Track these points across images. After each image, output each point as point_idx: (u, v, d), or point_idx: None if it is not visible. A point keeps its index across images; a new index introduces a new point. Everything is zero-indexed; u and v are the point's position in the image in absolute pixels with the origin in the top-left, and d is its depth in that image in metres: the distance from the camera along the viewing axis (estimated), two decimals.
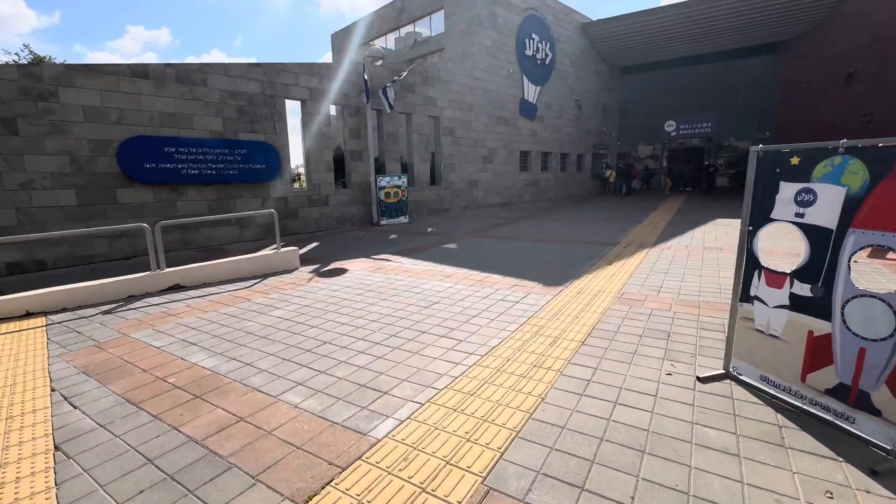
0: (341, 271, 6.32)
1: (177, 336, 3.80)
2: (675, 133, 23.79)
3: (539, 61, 18.22)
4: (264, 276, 6.09)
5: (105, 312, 4.58)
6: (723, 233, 8.83)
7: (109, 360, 3.34)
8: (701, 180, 23.45)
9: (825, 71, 17.66)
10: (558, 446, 2.12)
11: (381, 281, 5.64)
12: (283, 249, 6.54)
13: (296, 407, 2.55)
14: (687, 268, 5.86)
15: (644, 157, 26.32)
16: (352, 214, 12.02)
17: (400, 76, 11.69)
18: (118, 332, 3.94)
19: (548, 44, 18.59)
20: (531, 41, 17.59)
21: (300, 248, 8.52)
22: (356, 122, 11.81)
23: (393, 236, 9.96)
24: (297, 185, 20.79)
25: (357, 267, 6.58)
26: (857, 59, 15.71)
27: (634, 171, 22.15)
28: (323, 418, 2.42)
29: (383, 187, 12.00)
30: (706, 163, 22.20)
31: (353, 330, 3.83)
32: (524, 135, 18.18)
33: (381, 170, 13.02)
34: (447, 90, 14.32)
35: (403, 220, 12.37)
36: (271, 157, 10.03)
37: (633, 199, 19.53)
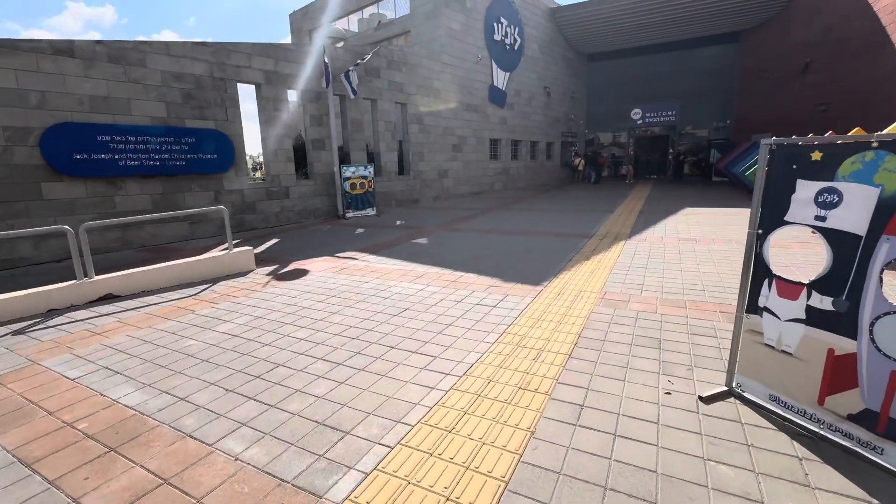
0: (302, 273, 5.78)
1: (99, 362, 3.21)
2: (641, 121, 24.04)
3: (508, 46, 17.79)
4: (214, 281, 5.47)
5: (16, 332, 3.90)
6: (694, 223, 8.80)
7: (6, 399, 2.74)
8: (667, 168, 23.88)
9: (783, 60, 18.12)
10: (556, 502, 1.77)
11: (346, 284, 5.16)
12: (235, 250, 5.92)
13: (236, 459, 2.09)
14: (666, 262, 5.68)
15: (607, 145, 26.52)
16: (315, 207, 11.34)
17: (363, 59, 11.00)
18: (26, 360, 3.31)
19: (516, 28, 18.17)
20: (500, 25, 17.12)
21: (258, 245, 7.87)
22: (318, 108, 11.06)
23: (359, 230, 9.41)
24: (257, 174, 19.68)
25: (319, 267, 6.05)
26: (813, 48, 16.15)
27: (601, 159, 22.23)
28: (269, 474, 1.98)
29: (348, 178, 11.37)
30: (675, 151, 22.50)
31: (312, 347, 3.36)
32: (494, 122, 17.80)
33: (345, 159, 12.34)
34: (414, 75, 13.70)
35: (371, 212, 11.80)
36: (224, 146, 9.22)
37: (602, 188, 19.61)
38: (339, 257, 6.69)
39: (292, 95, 11.16)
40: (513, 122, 19.04)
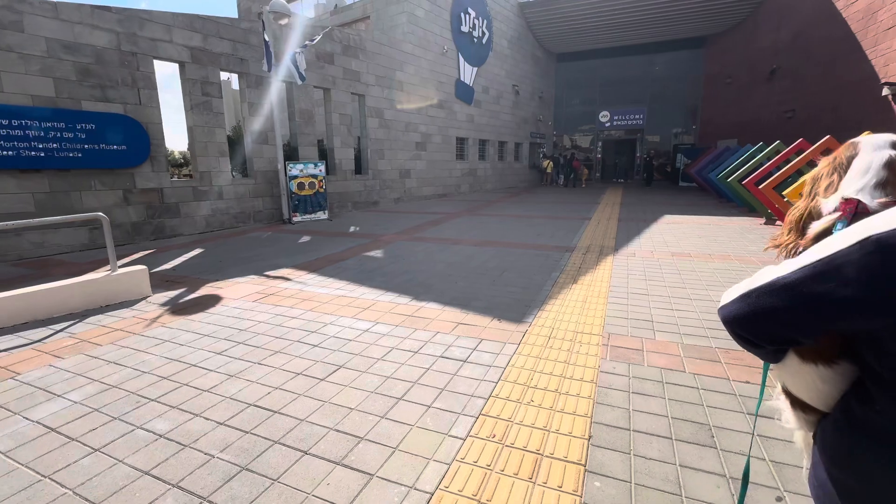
0: (212, 301, 4.40)
1: None
2: (609, 123, 23.72)
3: (476, 40, 16.76)
4: (84, 315, 4.01)
5: None
6: (681, 234, 8.01)
7: None
8: (634, 172, 23.67)
9: (749, 66, 18.10)
10: None
11: (267, 320, 3.84)
12: (121, 270, 4.45)
13: None
14: (668, 286, 4.72)
15: (569, 147, 26.06)
16: (256, 210, 9.81)
17: (313, 40, 9.57)
18: None
19: (485, 21, 17.18)
20: (467, 16, 16.06)
21: (173, 258, 6.34)
22: (259, 95, 9.54)
23: (305, 239, 8.02)
24: (184, 171, 17.54)
25: (239, 292, 4.68)
26: (779, 55, 16.10)
27: (575, 162, 21.66)
28: None
29: (295, 177, 9.91)
30: (647, 155, 22.18)
31: (178, 453, 2.07)
32: (461, 120, 16.72)
33: (292, 155, 10.86)
34: (373, 64, 12.37)
35: (322, 216, 10.39)
36: (135, 135, 7.59)
37: (572, 192, 18.97)
38: (269, 277, 5.33)
39: (231, 79, 9.58)
40: (480, 121, 18.04)
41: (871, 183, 0.82)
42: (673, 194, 16.48)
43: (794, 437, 0.97)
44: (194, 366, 3.00)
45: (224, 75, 9.15)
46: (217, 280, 5.20)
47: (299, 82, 9.65)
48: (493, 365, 2.94)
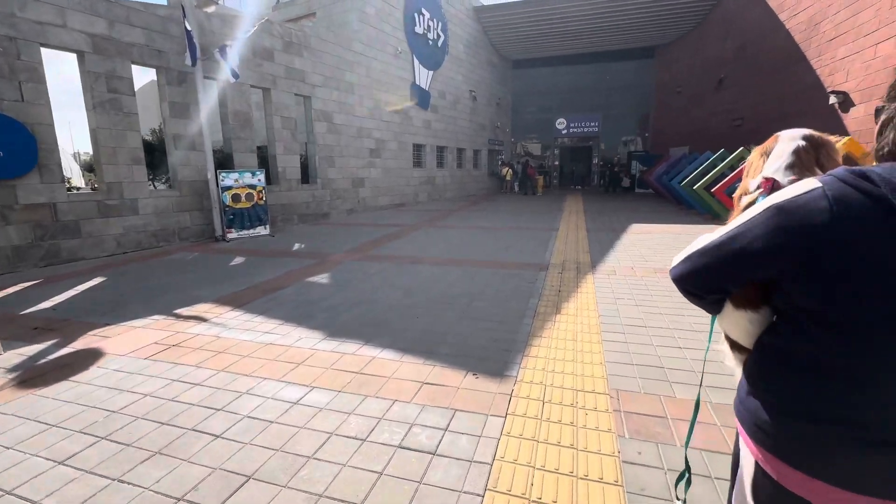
0: (87, 360, 3.25)
1: None
2: (565, 130, 23.77)
3: (431, 42, 16.05)
4: None
5: None
6: (655, 245, 7.55)
7: None
8: (591, 179, 23.80)
9: (697, 76, 18.56)
10: None
11: (157, 391, 2.78)
12: None
13: None
14: (663, 313, 4.06)
15: (523, 154, 25.91)
16: (182, 226, 8.45)
17: (247, 33, 8.42)
18: None
19: (440, 23, 16.52)
20: (421, 17, 15.32)
21: (61, 294, 5.00)
22: (183, 93, 8.24)
23: (237, 260, 6.84)
24: (85, 181, 15.32)
25: (129, 344, 3.54)
26: (726, 65, 16.54)
27: (530, 170, 21.42)
28: None
29: (229, 187, 8.66)
30: (610, 162, 22.17)
31: None
32: (417, 126, 15.90)
33: (227, 163, 9.58)
34: (320, 63, 11.30)
35: (262, 231, 9.17)
36: (17, 138, 6.15)
37: (533, 200, 18.62)
38: (179, 317, 4.19)
39: (142, 74, 8.22)
40: (438, 127, 17.31)
41: (784, 165, 1.06)
42: (632, 201, 16.45)
43: (734, 374, 1.09)
44: (27, 482, 1.91)
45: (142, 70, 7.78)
46: (107, 324, 4.01)
47: (232, 80, 8.45)
48: (475, 460, 2.07)
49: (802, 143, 1.07)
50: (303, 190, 11.13)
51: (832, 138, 1.09)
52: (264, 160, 10.73)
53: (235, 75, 8.38)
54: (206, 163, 8.40)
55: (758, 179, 1.08)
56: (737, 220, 0.85)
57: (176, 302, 4.66)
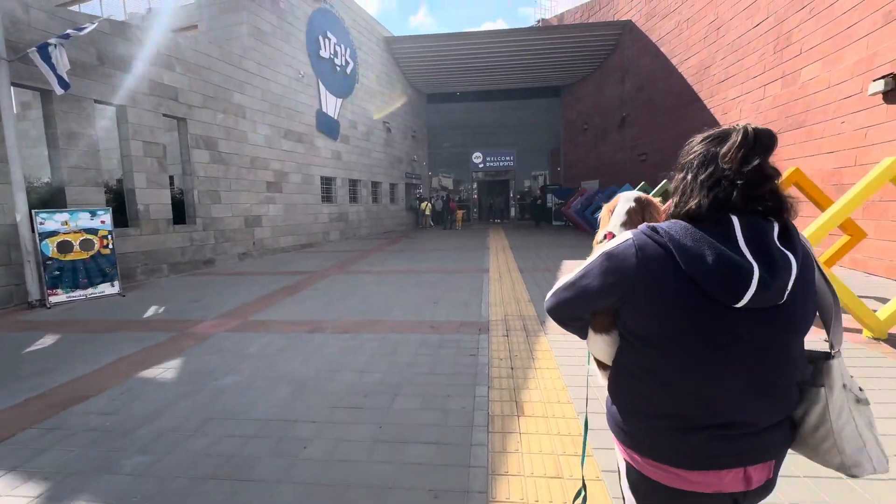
0: None
1: None
2: (482, 164, 23.72)
3: (339, 68, 14.80)
4: None
5: None
6: None
7: None
8: (509, 212, 23.80)
9: (602, 114, 19.56)
10: None
11: None
12: None
13: None
14: None
15: (438, 188, 25.39)
16: None
17: (81, 29, 6.37)
18: None
19: (348, 50, 15.40)
20: (327, 41, 14.07)
21: None
22: None
23: (45, 341, 4.64)
24: None
25: None
26: (627, 104, 17.54)
27: (452, 203, 20.75)
28: None
29: (54, 233, 6.32)
30: (533, 195, 21.99)
31: None
32: (325, 157, 14.31)
33: (55, 200, 7.15)
34: (200, 81, 9.39)
35: (109, 290, 6.85)
36: None
37: (452, 235, 17.74)
38: None
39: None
40: (349, 158, 15.87)
41: (619, 222, 1.35)
42: (553, 235, 16.27)
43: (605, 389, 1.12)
44: None
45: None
46: None
47: (59, 90, 6.28)
48: None
49: (633, 204, 1.36)
50: (175, 233, 8.87)
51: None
52: (120, 196, 8.37)
53: (64, 85, 6.24)
54: (14, 199, 6.02)
55: (603, 232, 1.38)
56: (586, 263, 1.04)
57: None
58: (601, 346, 1.11)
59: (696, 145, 0.99)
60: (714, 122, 12.34)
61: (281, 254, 11.88)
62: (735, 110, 11.38)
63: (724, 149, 0.91)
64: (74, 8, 11.99)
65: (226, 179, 10.12)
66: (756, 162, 0.87)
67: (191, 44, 9.28)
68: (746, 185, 0.88)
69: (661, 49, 15.06)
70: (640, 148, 16.77)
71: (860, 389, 0.97)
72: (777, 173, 0.91)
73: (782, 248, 0.87)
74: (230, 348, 4.29)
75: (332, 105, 14.50)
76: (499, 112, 24.21)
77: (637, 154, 16.86)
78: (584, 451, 1.49)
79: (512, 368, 3.58)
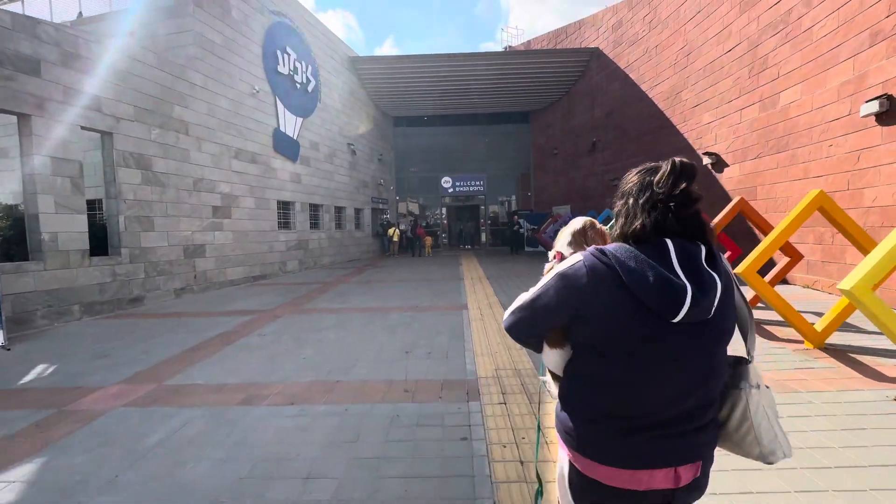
0: None
1: None
2: (451, 189, 23.08)
3: (299, 86, 13.81)
4: None
5: None
6: None
7: None
8: (480, 238, 23.12)
9: (571, 139, 19.44)
10: None
11: None
12: None
13: None
14: None
15: (405, 214, 24.42)
16: None
17: None
18: None
19: (309, 67, 14.47)
20: (287, 56, 13.10)
21: None
22: None
23: None
24: None
25: None
26: (597, 130, 17.44)
27: (419, 229, 19.83)
28: None
29: None
30: (512, 222, 20.88)
31: None
32: (283, 179, 13.10)
33: None
34: (130, 91, 8.14)
35: None
36: None
37: (422, 262, 16.73)
38: None
39: None
40: (311, 181, 14.71)
41: (567, 242, 1.50)
42: (529, 263, 15.56)
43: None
44: None
45: None
46: None
47: None
48: None
49: (579, 226, 1.54)
50: (92, 267, 7.39)
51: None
52: (20, 223, 6.88)
53: None
54: None
55: (553, 252, 1.53)
56: (541, 283, 1.13)
57: None
58: (555, 358, 1.21)
59: (632, 176, 1.12)
60: (688, 147, 12.16)
61: (229, 288, 10.45)
62: (710, 134, 11.21)
63: (657, 177, 1.04)
64: None
65: (161, 203, 8.75)
66: (683, 185, 1.02)
67: (118, 43, 8.05)
68: (678, 206, 1.02)
69: (630, 75, 15.07)
70: (612, 173, 16.58)
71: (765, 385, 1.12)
72: (700, 197, 1.05)
73: (709, 270, 1.00)
74: (122, 437, 3.04)
75: (291, 124, 13.42)
76: (468, 136, 23.81)
77: (609, 179, 16.65)
78: (536, 452, 1.77)
79: (521, 462, 2.56)
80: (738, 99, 10.05)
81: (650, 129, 14.00)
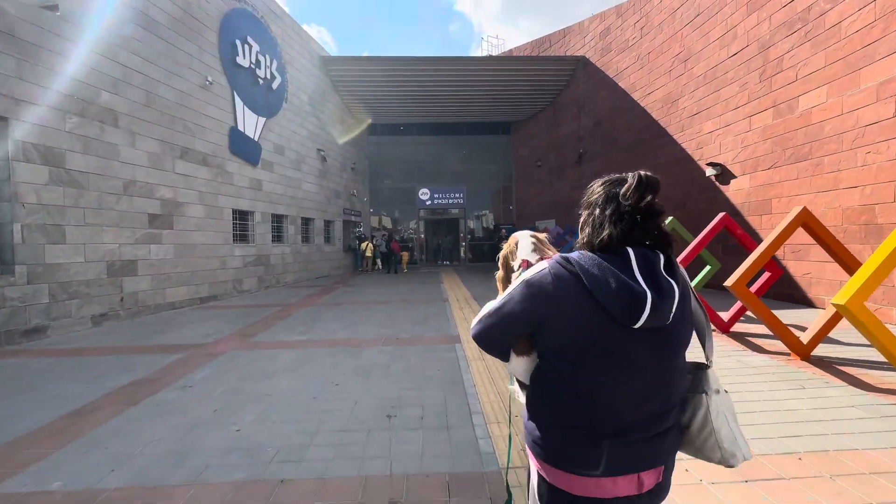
0: None
1: None
2: (430, 202, 21.81)
3: (262, 81, 12.31)
4: None
5: None
6: None
7: None
8: (456, 253, 21.90)
9: (556, 150, 18.60)
10: None
11: None
12: None
13: None
14: None
15: (378, 227, 22.94)
16: None
17: None
18: None
19: (275, 62, 13.01)
20: (248, 48, 11.62)
21: None
22: None
23: None
24: None
25: None
26: (584, 141, 16.63)
27: (394, 244, 18.42)
28: None
29: None
30: (499, 237, 19.74)
31: None
32: (240, 185, 11.47)
33: None
34: (37, 66, 6.50)
35: None
36: None
37: (398, 280, 15.28)
38: None
39: None
40: (273, 189, 13.09)
41: (531, 250, 1.49)
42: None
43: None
44: None
45: None
46: None
47: None
48: None
49: (533, 238, 1.55)
50: None
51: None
52: None
53: None
54: None
55: (518, 261, 1.50)
56: (508, 290, 1.14)
57: None
58: (522, 367, 1.21)
59: (597, 188, 1.12)
60: (686, 157, 11.37)
61: (167, 312, 8.69)
62: (713, 143, 10.41)
63: (623, 189, 1.04)
64: None
65: (77, 209, 7.03)
66: (649, 198, 1.03)
67: (21, 13, 6.42)
68: (643, 217, 1.04)
69: (620, 84, 14.34)
70: None
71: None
72: (663, 210, 1.06)
73: (667, 277, 1.02)
74: None
75: (252, 124, 11.87)
76: (446, 147, 22.69)
77: None
78: (507, 464, 1.74)
79: None
80: (747, 105, 9.27)
81: (644, 138, 13.21)
